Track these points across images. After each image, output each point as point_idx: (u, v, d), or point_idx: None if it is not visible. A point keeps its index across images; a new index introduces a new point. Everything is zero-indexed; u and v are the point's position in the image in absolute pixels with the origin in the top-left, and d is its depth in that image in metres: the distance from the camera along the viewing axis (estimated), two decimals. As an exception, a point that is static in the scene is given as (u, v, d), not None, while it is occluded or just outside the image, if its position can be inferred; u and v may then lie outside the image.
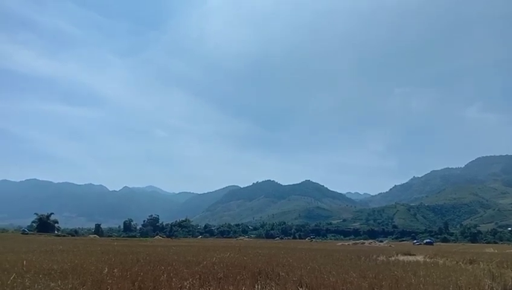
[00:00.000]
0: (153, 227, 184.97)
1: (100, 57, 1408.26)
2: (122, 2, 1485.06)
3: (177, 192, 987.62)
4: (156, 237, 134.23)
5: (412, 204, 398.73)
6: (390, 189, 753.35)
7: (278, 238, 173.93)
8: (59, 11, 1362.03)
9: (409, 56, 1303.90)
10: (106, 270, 14.17)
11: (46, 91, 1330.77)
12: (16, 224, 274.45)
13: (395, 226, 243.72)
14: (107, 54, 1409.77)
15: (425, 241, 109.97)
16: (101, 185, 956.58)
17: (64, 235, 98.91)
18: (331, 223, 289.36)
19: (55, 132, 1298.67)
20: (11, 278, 11.97)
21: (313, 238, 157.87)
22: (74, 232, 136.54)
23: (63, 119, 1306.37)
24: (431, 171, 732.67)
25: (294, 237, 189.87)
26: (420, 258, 29.17)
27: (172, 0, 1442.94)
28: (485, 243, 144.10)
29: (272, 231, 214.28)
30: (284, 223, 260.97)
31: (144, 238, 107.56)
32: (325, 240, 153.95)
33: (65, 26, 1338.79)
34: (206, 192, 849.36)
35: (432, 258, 28.80)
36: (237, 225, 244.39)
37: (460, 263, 24.08)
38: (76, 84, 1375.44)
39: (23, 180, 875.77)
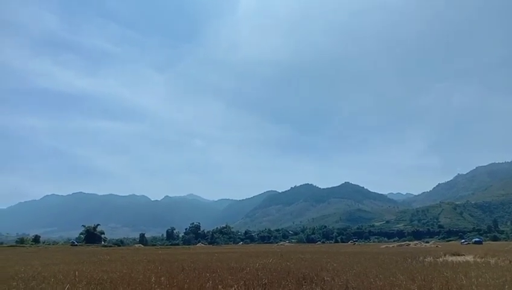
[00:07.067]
0: (195, 234, 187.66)
1: (137, 72, 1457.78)
2: (155, 17, 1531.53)
3: (217, 199, 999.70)
4: (198, 244, 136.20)
5: (457, 202, 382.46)
6: (434, 188, 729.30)
7: (319, 242, 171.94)
8: (96, 31, 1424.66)
9: (447, 49, 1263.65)
10: (153, 278, 14.54)
11: (88, 108, 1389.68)
12: (65, 236, 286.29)
13: (440, 226, 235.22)
14: (144, 69, 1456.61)
15: (473, 240, 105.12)
16: (143, 196, 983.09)
17: (110, 246, 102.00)
18: (373, 225, 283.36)
19: (98, 147, 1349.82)
20: (66, 288, 12.50)
21: (356, 241, 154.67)
22: (120, 242, 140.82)
23: (105, 134, 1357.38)
24: (476, 167, 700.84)
25: (336, 241, 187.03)
26: (470, 258, 27.98)
27: (202, 12, 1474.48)
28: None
29: (312, 236, 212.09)
30: (325, 227, 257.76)
31: (187, 246, 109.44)
32: (368, 243, 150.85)
33: (103, 45, 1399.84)
34: (244, 198, 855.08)
35: (482, 258, 27.54)
36: (277, 230, 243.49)
37: (514, 262, 22.95)
38: (116, 99, 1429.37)
39: (70, 193, 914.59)
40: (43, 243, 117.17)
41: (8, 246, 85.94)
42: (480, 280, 13.72)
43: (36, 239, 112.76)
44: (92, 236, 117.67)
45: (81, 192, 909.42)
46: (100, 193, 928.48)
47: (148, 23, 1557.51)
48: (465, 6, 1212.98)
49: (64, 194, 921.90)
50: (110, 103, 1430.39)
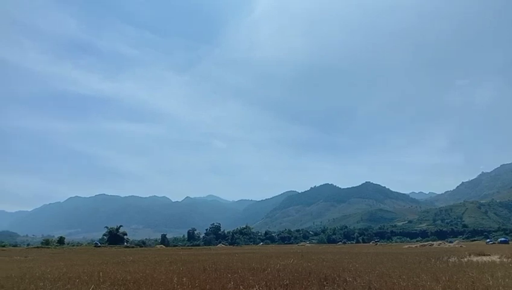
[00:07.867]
0: (216, 235, 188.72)
1: (157, 75, 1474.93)
2: (174, 19, 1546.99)
3: (237, 200, 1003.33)
4: (219, 245, 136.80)
5: (482, 201, 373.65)
6: (458, 186, 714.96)
7: (340, 242, 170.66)
8: (116, 34, 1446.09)
9: (469, 45, 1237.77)
10: (175, 279, 14.68)
11: (110, 111, 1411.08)
12: (88, 237, 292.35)
13: (465, 226, 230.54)
14: (164, 71, 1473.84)
15: (499, 240, 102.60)
16: (164, 197, 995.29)
17: (133, 247, 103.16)
18: (395, 226, 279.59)
19: (120, 149, 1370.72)
20: (90, 289, 12.74)
21: (378, 241, 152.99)
22: (142, 243, 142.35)
23: (126, 136, 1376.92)
24: (501, 165, 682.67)
25: (358, 241, 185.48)
26: (496, 258, 27.26)
27: (221, 13, 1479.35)
28: None
29: (333, 236, 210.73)
30: (346, 227, 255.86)
31: (208, 247, 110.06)
32: (390, 243, 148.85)
33: (123, 48, 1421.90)
34: (264, 199, 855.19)
35: (509, 258, 26.80)
36: (297, 231, 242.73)
37: (543, 263, 22.25)
38: (137, 102, 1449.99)
39: (93, 195, 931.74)
40: (68, 244, 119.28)
41: (34, 247, 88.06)
42: (507, 280, 13.40)
43: (61, 240, 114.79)
44: (114, 237, 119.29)
45: (103, 194, 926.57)
46: (122, 195, 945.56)
47: (166, 25, 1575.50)
48: (488, 2, 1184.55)
49: (88, 196, 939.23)
50: (130, 105, 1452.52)
